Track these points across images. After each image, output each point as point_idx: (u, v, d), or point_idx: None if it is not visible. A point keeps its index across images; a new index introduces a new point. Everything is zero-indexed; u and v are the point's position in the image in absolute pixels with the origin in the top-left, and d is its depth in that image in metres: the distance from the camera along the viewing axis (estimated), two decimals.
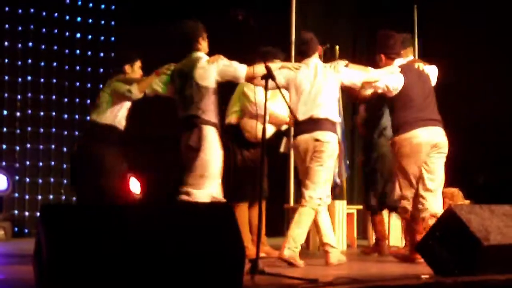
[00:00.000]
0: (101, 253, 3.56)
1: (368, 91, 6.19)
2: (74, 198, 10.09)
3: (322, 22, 10.11)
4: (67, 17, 10.51)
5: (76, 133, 10.41)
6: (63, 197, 10.23)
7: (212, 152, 5.75)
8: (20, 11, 10.19)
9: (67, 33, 10.49)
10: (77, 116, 10.46)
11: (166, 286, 3.68)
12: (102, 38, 10.76)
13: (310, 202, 5.86)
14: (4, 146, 10.01)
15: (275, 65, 6.06)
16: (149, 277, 3.64)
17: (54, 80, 10.32)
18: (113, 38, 10.81)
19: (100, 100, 6.36)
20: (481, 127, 9.72)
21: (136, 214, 3.89)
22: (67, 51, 10.47)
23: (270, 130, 6.58)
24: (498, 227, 4.69)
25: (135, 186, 8.32)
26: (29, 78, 10.19)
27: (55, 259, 3.46)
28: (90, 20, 10.70)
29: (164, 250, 3.71)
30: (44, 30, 10.29)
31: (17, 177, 9.98)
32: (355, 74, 6.10)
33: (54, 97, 10.29)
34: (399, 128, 6.15)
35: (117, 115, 6.34)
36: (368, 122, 7.37)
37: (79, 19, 10.61)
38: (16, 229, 9.77)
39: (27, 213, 9.99)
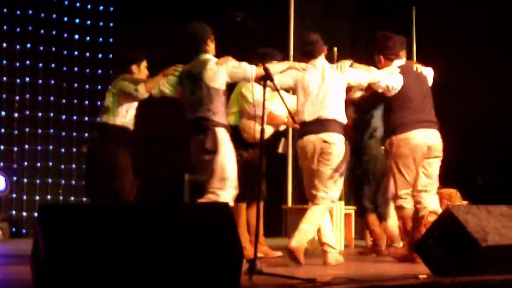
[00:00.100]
0: (99, 253, 3.56)
1: (357, 94, 6.22)
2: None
3: (321, 23, 10.11)
4: (66, 19, 10.51)
5: (74, 134, 10.41)
6: (61, 198, 10.23)
7: (229, 154, 5.78)
8: (18, 12, 10.19)
9: (65, 35, 10.49)
10: (75, 117, 10.46)
11: (164, 286, 3.68)
12: (101, 39, 10.76)
13: (323, 202, 5.87)
14: (2, 147, 10.01)
15: (283, 66, 6.09)
16: (147, 277, 3.64)
17: (52, 81, 10.32)
18: (111, 40, 10.81)
19: (107, 102, 6.35)
20: (478, 128, 9.74)
21: (134, 214, 3.89)
22: (65, 52, 10.47)
23: (268, 131, 6.58)
24: (495, 227, 4.69)
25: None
26: (27, 79, 10.19)
27: (53, 259, 3.46)
28: (89, 22, 10.70)
29: (162, 250, 3.71)
30: (42, 31, 10.29)
31: (15, 178, 9.98)
32: (361, 75, 6.10)
33: (52, 98, 10.29)
34: (396, 128, 6.17)
35: (128, 116, 6.35)
36: (357, 125, 7.37)
37: (77, 20, 10.62)
38: (14, 229, 9.77)
39: (25, 214, 9.98)
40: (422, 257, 4.84)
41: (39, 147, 10.17)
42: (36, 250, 3.64)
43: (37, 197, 10.07)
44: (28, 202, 10.02)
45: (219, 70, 5.81)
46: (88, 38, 10.68)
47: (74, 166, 10.40)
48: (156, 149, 10.03)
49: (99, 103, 10.53)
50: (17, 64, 10.16)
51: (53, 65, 10.35)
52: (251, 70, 5.81)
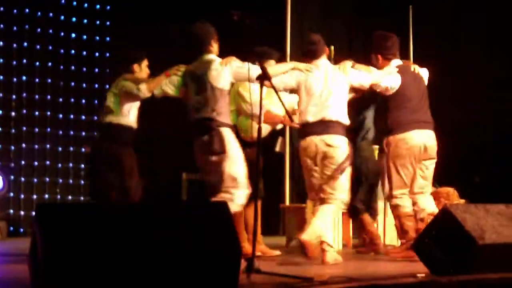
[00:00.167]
0: (96, 252, 3.56)
1: (348, 95, 6.22)
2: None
3: (318, 23, 10.11)
4: (62, 17, 10.50)
5: (71, 132, 10.40)
6: (59, 197, 10.22)
7: (237, 153, 5.79)
8: (15, 11, 10.18)
9: (62, 33, 10.48)
10: (72, 116, 10.45)
11: (162, 285, 3.68)
12: (97, 38, 10.75)
13: (335, 202, 5.88)
14: None
15: (287, 66, 6.09)
16: (145, 276, 3.64)
17: (49, 80, 10.31)
18: (108, 38, 10.80)
19: (108, 102, 6.33)
20: (476, 127, 9.75)
21: (132, 213, 3.89)
22: (62, 51, 10.46)
23: (266, 130, 6.58)
24: (493, 226, 4.70)
25: None
26: (24, 78, 10.18)
27: (51, 258, 3.46)
28: (85, 20, 10.68)
29: (160, 249, 3.71)
30: (39, 30, 10.28)
31: (12, 177, 9.96)
32: (363, 76, 6.11)
33: (49, 97, 10.28)
34: (393, 128, 6.20)
35: (131, 115, 6.34)
36: (350, 126, 7.37)
37: (74, 19, 10.60)
38: (11, 228, 9.76)
39: (22, 213, 9.98)
40: (419, 256, 4.84)
41: (36, 146, 10.16)
42: (34, 249, 3.64)
43: (35, 196, 10.06)
44: (25, 201, 10.01)
45: (224, 71, 5.80)
46: (85, 36, 10.66)
47: (71, 165, 10.40)
48: (154, 149, 10.02)
49: (96, 101, 10.56)
50: (14, 62, 10.15)
51: (50, 63, 10.34)
52: (256, 70, 5.81)
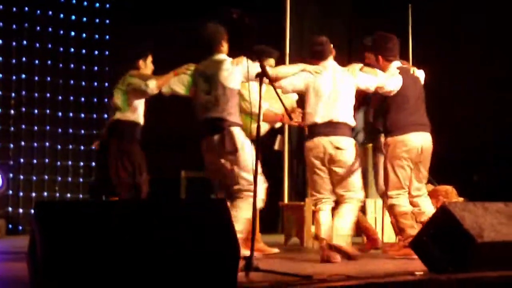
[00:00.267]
0: (95, 250, 3.56)
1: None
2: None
3: (318, 23, 10.12)
4: (62, 15, 10.50)
5: (70, 131, 10.40)
6: (57, 195, 10.22)
7: (250, 150, 5.78)
8: (14, 9, 10.17)
9: (61, 32, 10.47)
10: (71, 114, 10.45)
11: (160, 283, 3.69)
12: (97, 36, 10.74)
13: (352, 201, 5.94)
14: None
15: (296, 68, 6.09)
16: (143, 274, 3.64)
17: (49, 78, 10.30)
18: (107, 37, 10.79)
19: (116, 99, 6.31)
20: (475, 125, 9.75)
21: (131, 211, 3.89)
22: (61, 49, 10.45)
23: (264, 128, 6.58)
24: (491, 224, 4.71)
25: None
26: (23, 76, 10.17)
27: (49, 256, 3.46)
28: (85, 18, 10.68)
29: (158, 247, 3.71)
30: (38, 28, 10.27)
31: (11, 175, 9.96)
32: (371, 79, 6.14)
33: (48, 95, 10.27)
34: (392, 129, 6.28)
35: (139, 112, 6.33)
36: None
37: (73, 17, 10.59)
38: (10, 226, 9.76)
39: (21, 210, 9.97)
40: (418, 254, 4.85)
41: (36, 144, 10.15)
42: (33, 247, 3.64)
43: (34, 194, 10.05)
44: (24, 199, 10.01)
45: (235, 70, 5.80)
46: (84, 35, 10.66)
47: (70, 163, 10.39)
48: (152, 147, 10.02)
49: (95, 100, 10.57)
50: (13, 61, 10.14)
51: (49, 62, 10.33)
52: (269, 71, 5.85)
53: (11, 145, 10.08)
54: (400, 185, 6.20)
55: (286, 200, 8.60)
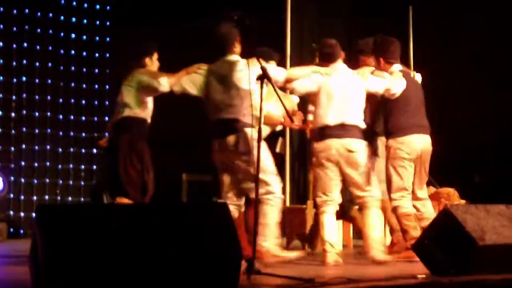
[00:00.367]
0: (97, 253, 3.56)
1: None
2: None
3: (318, 23, 10.11)
4: (62, 17, 10.48)
5: (72, 133, 10.39)
6: (59, 198, 10.21)
7: (265, 151, 5.76)
8: (15, 11, 10.16)
9: (62, 34, 10.46)
10: (72, 117, 10.43)
11: (163, 286, 3.68)
12: (97, 38, 10.73)
13: (374, 204, 5.99)
14: None
15: (307, 70, 6.08)
16: (145, 277, 3.64)
17: (49, 81, 10.28)
18: (108, 39, 10.78)
19: (126, 96, 6.26)
20: (476, 127, 9.74)
21: (133, 214, 3.89)
22: (62, 51, 10.44)
23: (265, 131, 6.57)
24: (493, 226, 4.71)
25: None
26: (24, 78, 10.15)
27: (51, 259, 3.46)
28: (85, 21, 10.67)
29: (160, 250, 3.71)
30: (39, 30, 10.26)
31: (12, 178, 9.94)
32: (380, 83, 6.19)
33: (49, 97, 10.25)
34: (394, 131, 6.31)
35: (148, 109, 6.30)
36: None
37: (74, 19, 10.58)
38: (11, 229, 9.73)
39: (22, 214, 9.95)
40: (420, 257, 4.85)
41: (37, 147, 10.14)
42: (34, 251, 3.64)
43: (35, 197, 10.03)
44: (25, 202, 9.99)
45: (249, 72, 5.79)
46: (85, 37, 10.64)
47: (71, 166, 10.38)
48: (154, 149, 10.02)
49: (96, 102, 10.56)
50: (14, 63, 10.12)
51: (50, 64, 10.31)
52: (281, 72, 5.87)
53: (12, 148, 10.06)
54: (403, 187, 6.21)
55: (287, 203, 8.59)
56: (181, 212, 4.06)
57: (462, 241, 4.55)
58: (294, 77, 5.96)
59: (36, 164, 10.12)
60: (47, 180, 10.16)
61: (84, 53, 10.61)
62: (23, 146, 10.08)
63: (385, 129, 6.41)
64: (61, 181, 10.25)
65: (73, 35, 10.56)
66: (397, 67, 6.39)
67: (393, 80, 6.23)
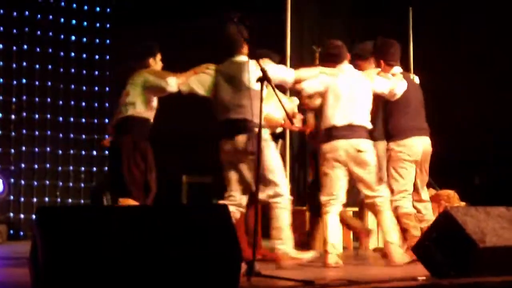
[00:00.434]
0: (97, 255, 3.56)
1: (318, 101, 6.23)
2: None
3: (318, 23, 10.12)
4: (62, 20, 10.49)
5: (71, 135, 10.39)
6: (59, 200, 10.21)
7: (273, 152, 5.82)
8: (15, 13, 10.17)
9: (62, 36, 10.47)
10: (72, 119, 10.44)
11: None
12: (97, 40, 10.74)
13: (386, 204, 6.02)
14: None
15: (315, 70, 6.09)
16: (145, 279, 3.63)
17: (49, 83, 10.29)
18: (108, 41, 10.79)
19: (131, 96, 6.23)
20: (476, 128, 9.75)
21: (133, 216, 3.89)
22: (62, 53, 10.45)
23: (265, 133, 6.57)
24: (493, 229, 4.70)
25: None
26: (24, 80, 10.17)
27: (51, 261, 3.46)
28: (85, 23, 10.68)
29: (160, 252, 3.71)
30: (39, 32, 10.27)
31: (12, 180, 9.95)
32: (386, 84, 6.21)
33: (49, 100, 10.27)
34: (394, 133, 6.33)
35: (153, 109, 6.29)
36: (318, 131, 7.35)
37: (74, 21, 10.59)
38: (11, 231, 9.74)
39: (22, 216, 9.96)
40: (420, 259, 4.84)
41: (37, 149, 10.14)
42: (34, 252, 3.64)
43: (35, 199, 10.04)
44: (25, 204, 9.99)
45: (259, 72, 5.79)
46: (85, 39, 10.65)
47: (71, 168, 10.39)
48: (154, 150, 10.02)
49: (96, 104, 10.56)
50: (14, 65, 10.13)
51: (50, 66, 10.32)
52: (291, 73, 5.87)
53: (12, 150, 10.06)
54: (404, 188, 6.23)
55: None
56: (180, 214, 4.05)
57: (462, 243, 4.55)
58: (303, 78, 5.98)
59: (36, 166, 10.13)
60: (47, 182, 10.17)
61: (84, 55, 10.62)
62: (23, 148, 10.08)
63: (385, 131, 6.43)
64: (61, 183, 10.25)
65: (73, 37, 10.57)
66: (397, 69, 6.41)
67: (396, 81, 6.25)
